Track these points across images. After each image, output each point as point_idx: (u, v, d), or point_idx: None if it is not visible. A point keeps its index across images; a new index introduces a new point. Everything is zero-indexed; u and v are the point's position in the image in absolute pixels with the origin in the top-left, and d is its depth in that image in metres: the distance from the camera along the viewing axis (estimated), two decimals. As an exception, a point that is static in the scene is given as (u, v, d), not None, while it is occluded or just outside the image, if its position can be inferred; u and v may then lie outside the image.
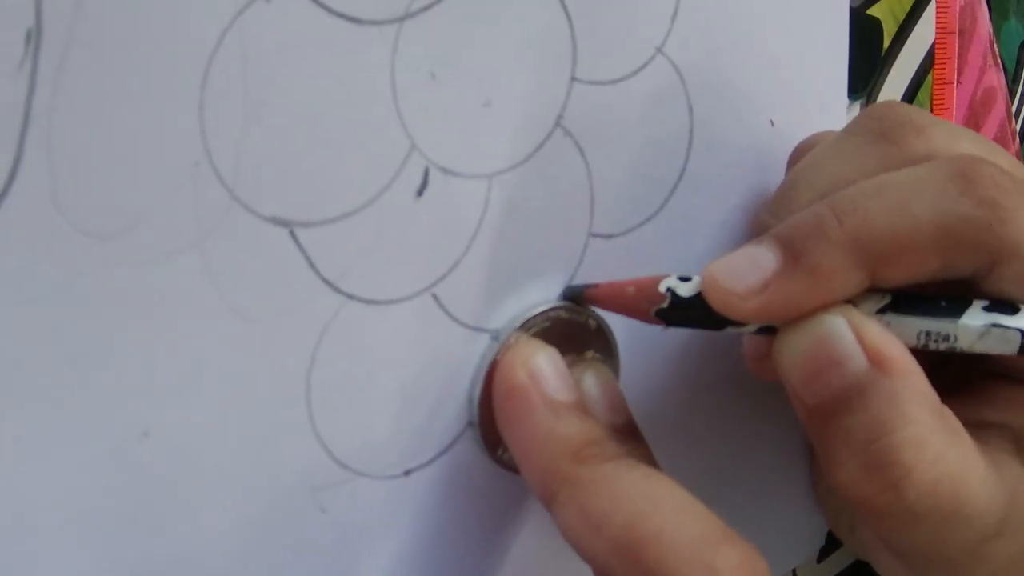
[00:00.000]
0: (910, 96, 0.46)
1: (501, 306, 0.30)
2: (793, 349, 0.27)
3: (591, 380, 0.30)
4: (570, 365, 0.30)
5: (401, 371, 0.28)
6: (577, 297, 0.31)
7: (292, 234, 0.26)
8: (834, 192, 0.28)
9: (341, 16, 0.25)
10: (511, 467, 0.30)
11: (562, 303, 0.31)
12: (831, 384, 0.26)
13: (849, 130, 0.31)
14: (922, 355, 0.27)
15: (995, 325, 0.26)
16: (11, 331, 0.22)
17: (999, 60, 0.50)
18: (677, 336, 0.34)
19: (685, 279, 0.29)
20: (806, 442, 0.38)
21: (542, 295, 0.31)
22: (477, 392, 0.29)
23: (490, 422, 0.29)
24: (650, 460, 0.29)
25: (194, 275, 0.24)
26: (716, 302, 0.27)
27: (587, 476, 0.26)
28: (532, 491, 0.28)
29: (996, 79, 0.50)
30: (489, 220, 0.29)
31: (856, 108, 0.43)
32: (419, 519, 0.29)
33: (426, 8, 0.27)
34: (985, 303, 0.27)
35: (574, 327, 0.31)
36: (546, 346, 0.29)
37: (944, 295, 0.27)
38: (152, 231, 0.24)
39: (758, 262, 0.27)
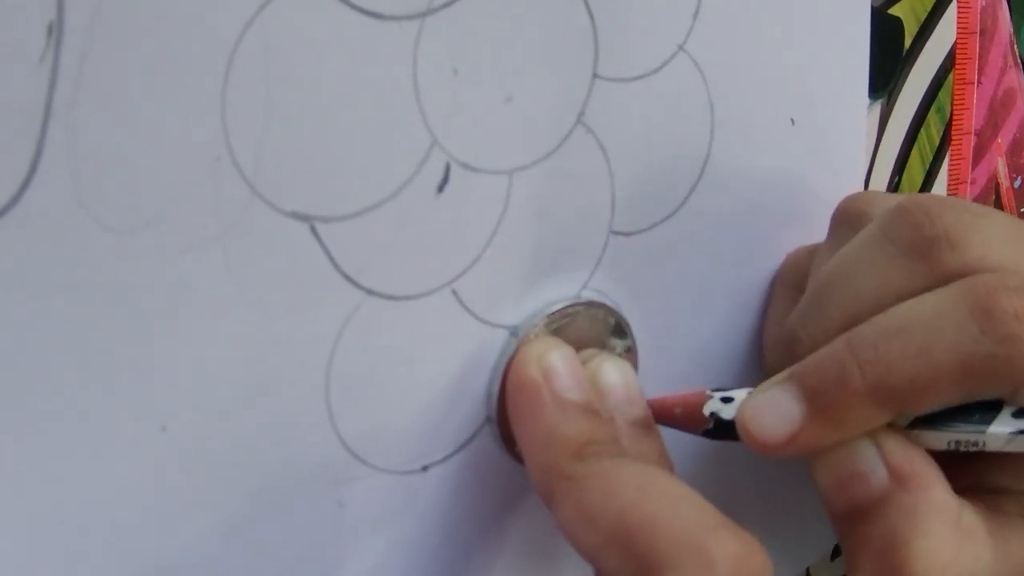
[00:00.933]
0: (931, 96, 0.45)
1: (521, 302, 0.29)
2: (824, 462, 0.28)
3: (610, 371, 0.29)
4: (590, 358, 0.29)
5: (420, 367, 0.28)
6: None
7: (312, 229, 0.25)
8: (862, 310, 0.28)
9: (363, 11, 0.25)
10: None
11: (582, 300, 0.30)
12: (855, 495, 0.27)
13: (884, 232, 0.29)
14: None
15: (1022, 432, 0.27)
16: (31, 325, 0.22)
17: (1019, 61, 0.49)
18: (696, 336, 0.34)
19: (727, 400, 0.29)
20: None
21: (562, 292, 0.30)
22: (496, 388, 0.29)
23: (508, 418, 0.29)
24: (661, 455, 0.29)
25: (214, 270, 0.24)
26: (751, 447, 0.28)
27: (584, 472, 0.26)
28: (534, 488, 0.27)
29: (1016, 80, 0.49)
30: (510, 216, 0.28)
31: (877, 108, 0.42)
32: (436, 515, 0.29)
33: (448, 4, 0.26)
34: (1014, 408, 0.27)
35: (594, 324, 0.30)
36: (562, 344, 0.29)
37: (974, 403, 0.28)
38: (172, 226, 0.23)
39: (786, 413, 0.27)
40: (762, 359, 0.35)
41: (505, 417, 0.29)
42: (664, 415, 0.30)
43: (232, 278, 0.24)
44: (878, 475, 0.27)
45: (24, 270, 0.21)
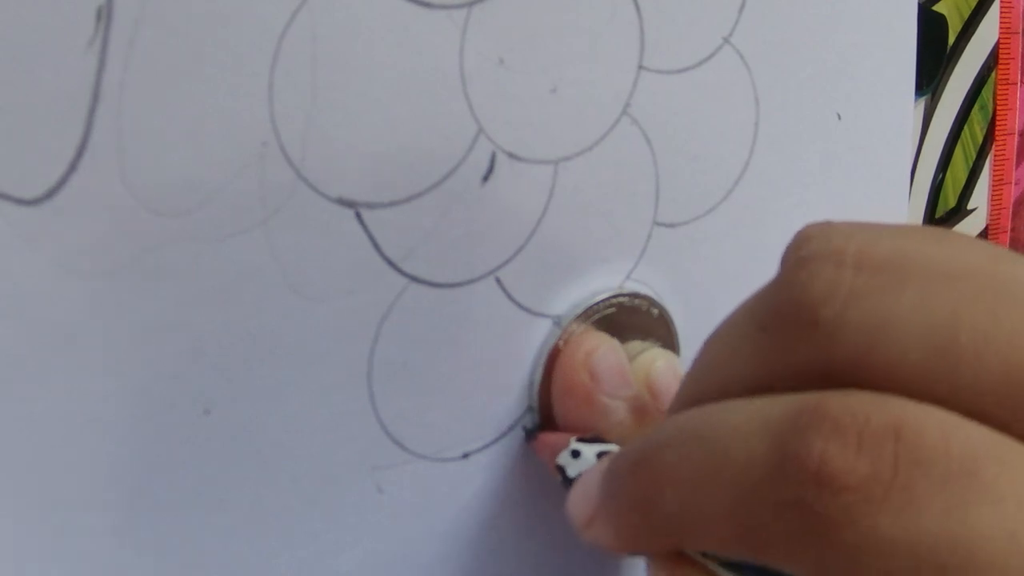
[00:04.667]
0: (974, 94, 0.43)
1: (564, 292, 0.28)
2: None
3: (661, 367, 0.28)
4: (640, 352, 0.28)
5: (462, 354, 0.27)
6: (526, 437, 0.29)
7: (358, 215, 0.24)
8: (704, 395, 0.20)
9: (411, 0, 0.24)
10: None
11: (626, 290, 0.29)
12: None
13: (759, 292, 0.20)
14: None
15: None
16: (76, 307, 0.21)
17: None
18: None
19: (576, 453, 0.25)
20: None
21: (606, 282, 0.29)
22: (537, 377, 0.28)
23: (549, 407, 0.28)
24: None
25: (259, 255, 0.23)
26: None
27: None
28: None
29: (1060, 79, 0.47)
30: (554, 206, 0.27)
31: (921, 105, 0.41)
32: (475, 502, 0.28)
33: (496, -8, 0.25)
34: None
35: (637, 314, 0.29)
36: (607, 339, 0.28)
37: None
38: (218, 210, 0.22)
39: (588, 494, 0.21)
40: None
41: (546, 406, 0.28)
42: (540, 454, 0.27)
43: (277, 262, 0.23)
44: None
45: (70, 252, 0.21)
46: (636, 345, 0.29)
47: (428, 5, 0.24)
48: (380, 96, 0.24)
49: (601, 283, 0.29)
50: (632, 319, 0.29)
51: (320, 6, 0.23)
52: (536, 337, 0.28)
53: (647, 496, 0.19)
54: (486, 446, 0.28)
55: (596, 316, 0.29)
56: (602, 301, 0.29)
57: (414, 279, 0.25)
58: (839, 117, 0.33)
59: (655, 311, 0.30)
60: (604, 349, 0.27)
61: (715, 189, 0.31)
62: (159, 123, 0.21)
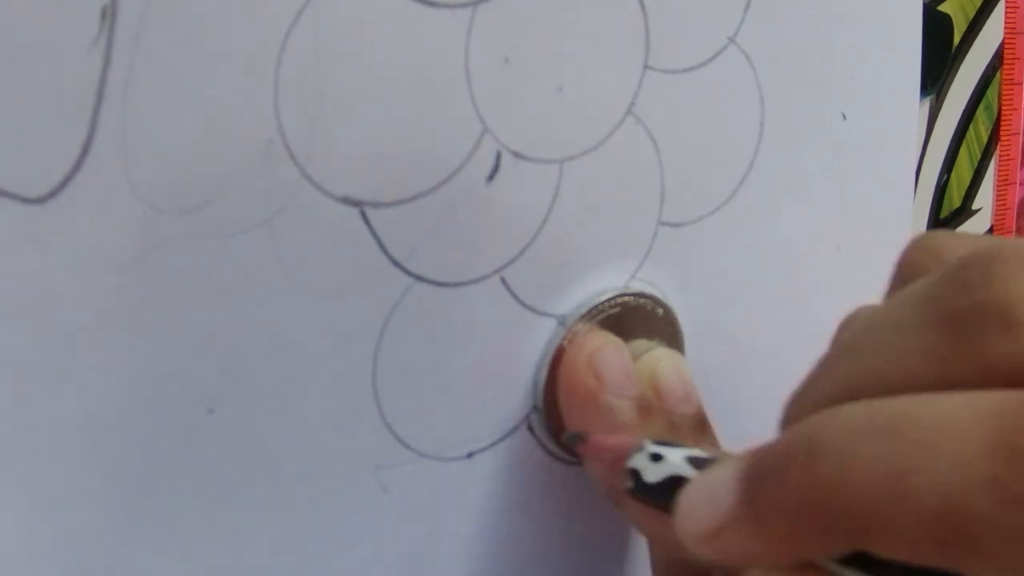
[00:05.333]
0: (979, 94, 0.43)
1: (569, 291, 0.28)
2: None
3: (666, 367, 0.28)
4: (644, 351, 0.28)
5: (467, 354, 0.27)
6: (571, 442, 0.27)
7: (363, 214, 0.24)
8: (862, 389, 0.19)
9: (416, -1, 0.24)
10: (574, 451, 0.29)
11: (631, 290, 0.29)
12: None
13: (928, 290, 0.19)
14: None
15: None
16: (81, 306, 0.21)
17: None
18: (743, 328, 0.32)
19: (658, 457, 0.22)
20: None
21: (611, 281, 0.29)
22: (542, 377, 0.28)
23: (554, 407, 0.28)
24: (715, 448, 0.27)
25: (264, 254, 0.23)
26: (680, 535, 0.21)
27: None
28: (598, 490, 0.26)
29: (1065, 79, 0.47)
30: (559, 205, 0.27)
31: (926, 105, 0.41)
32: (480, 502, 0.28)
33: (501, -9, 0.25)
34: None
35: (641, 314, 0.29)
36: (612, 339, 0.28)
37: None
38: (223, 209, 0.22)
39: (716, 499, 0.20)
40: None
41: (551, 406, 0.28)
42: (597, 458, 0.25)
43: (282, 262, 0.23)
44: None
45: (74, 251, 0.21)
46: (641, 344, 0.29)
47: (433, 4, 0.24)
48: (385, 95, 0.24)
49: (606, 282, 0.29)
50: (637, 319, 0.29)
51: (325, 4, 0.23)
52: (541, 337, 0.28)
53: (819, 498, 0.18)
54: (491, 446, 0.28)
55: (601, 316, 0.28)
56: (607, 301, 0.28)
57: (419, 278, 0.25)
58: (844, 117, 0.33)
59: (660, 310, 0.30)
60: (608, 349, 0.27)
61: (720, 188, 0.31)
62: (164, 122, 0.21)
